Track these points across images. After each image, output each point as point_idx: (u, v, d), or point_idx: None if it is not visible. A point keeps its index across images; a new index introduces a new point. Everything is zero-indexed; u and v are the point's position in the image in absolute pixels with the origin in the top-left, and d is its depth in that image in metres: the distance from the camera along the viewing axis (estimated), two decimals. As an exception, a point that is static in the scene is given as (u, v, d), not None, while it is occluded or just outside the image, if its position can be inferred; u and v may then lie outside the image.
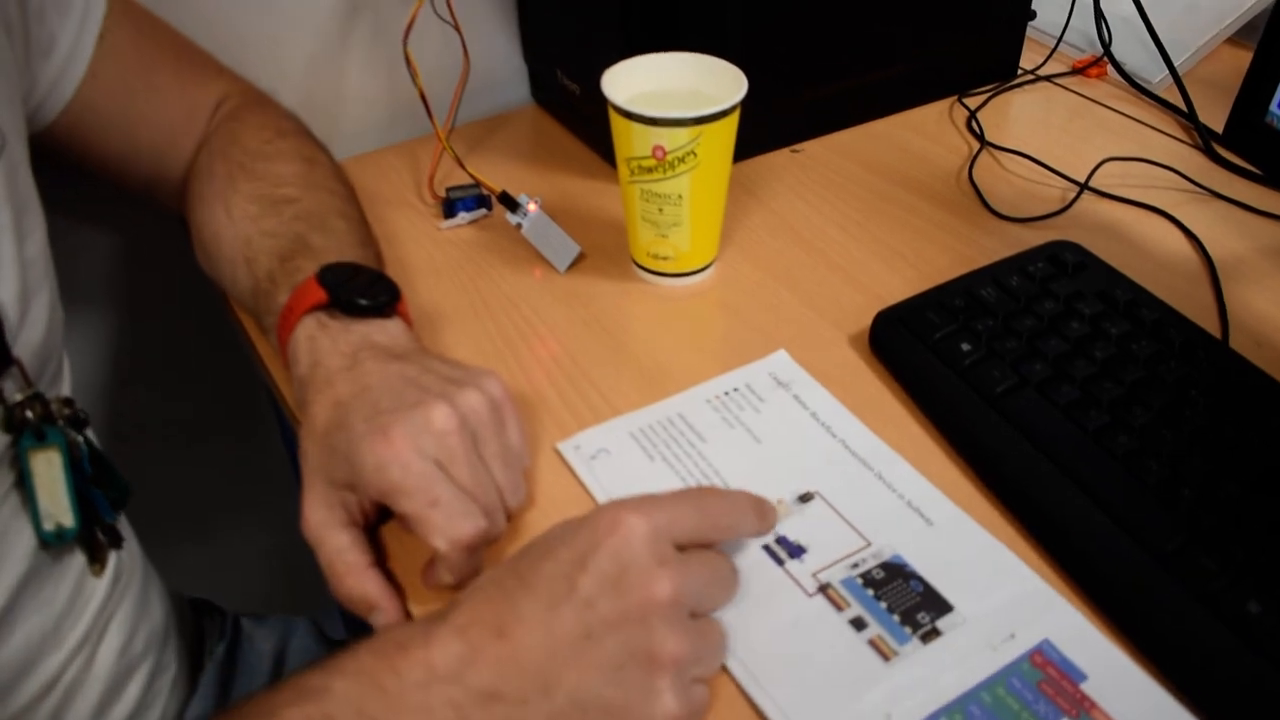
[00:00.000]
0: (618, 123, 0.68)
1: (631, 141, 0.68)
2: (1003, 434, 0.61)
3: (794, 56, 0.86)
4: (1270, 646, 0.50)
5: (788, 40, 0.85)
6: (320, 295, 0.60)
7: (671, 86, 0.72)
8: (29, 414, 0.57)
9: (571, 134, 0.94)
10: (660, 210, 0.70)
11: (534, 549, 0.48)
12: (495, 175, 0.86)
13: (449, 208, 0.82)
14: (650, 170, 0.68)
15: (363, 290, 0.61)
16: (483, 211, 0.82)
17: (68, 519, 0.58)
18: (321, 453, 0.55)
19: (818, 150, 0.91)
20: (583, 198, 0.85)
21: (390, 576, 0.56)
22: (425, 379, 0.56)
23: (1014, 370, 0.63)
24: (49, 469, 0.58)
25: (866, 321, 0.70)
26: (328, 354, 0.58)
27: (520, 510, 0.58)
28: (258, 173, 0.70)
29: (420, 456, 0.52)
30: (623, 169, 0.70)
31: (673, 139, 0.66)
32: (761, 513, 0.54)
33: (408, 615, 0.55)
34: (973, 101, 0.98)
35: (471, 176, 0.81)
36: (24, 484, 0.57)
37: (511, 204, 0.78)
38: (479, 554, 0.54)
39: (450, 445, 0.53)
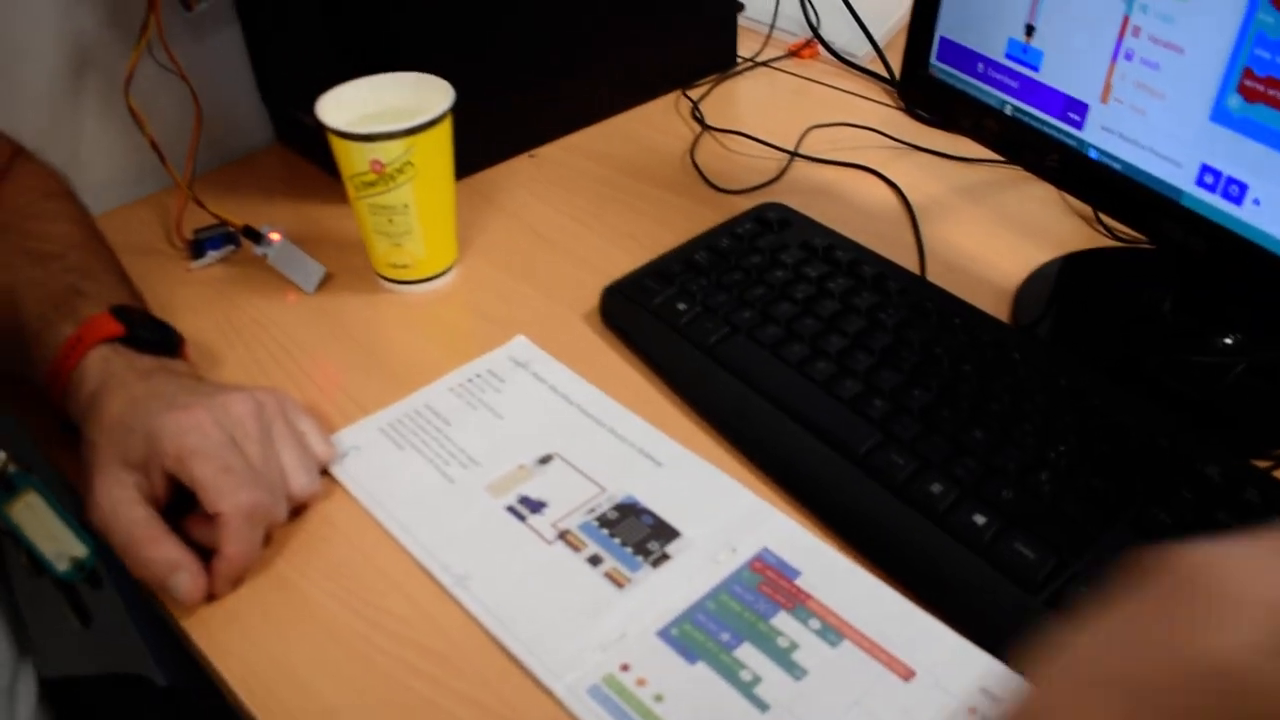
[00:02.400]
0: (336, 144, 0.72)
1: (350, 159, 0.72)
2: (719, 379, 0.67)
3: (514, 65, 0.92)
4: (951, 520, 0.56)
5: (504, 51, 0.90)
6: (115, 328, 0.62)
7: (390, 106, 0.77)
8: None
9: (316, 166, 0.97)
10: (390, 221, 0.74)
11: None
12: (246, 214, 0.88)
13: (198, 248, 0.84)
14: (372, 185, 0.72)
15: (153, 329, 0.65)
16: (231, 248, 0.85)
17: (78, 548, 0.58)
18: (114, 437, 0.57)
19: (554, 152, 0.97)
20: (331, 223, 0.88)
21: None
22: (220, 386, 0.62)
23: (726, 321, 0.69)
24: (33, 513, 0.58)
25: (592, 300, 0.75)
26: (123, 370, 0.61)
27: (310, 500, 0.62)
28: (24, 230, 0.70)
29: (219, 428, 0.57)
30: (349, 187, 0.74)
31: (387, 152, 0.71)
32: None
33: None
34: (696, 93, 1.05)
35: (215, 216, 0.84)
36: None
37: (255, 236, 0.81)
38: (260, 532, 0.58)
39: (246, 427, 0.58)
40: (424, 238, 0.76)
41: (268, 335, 0.76)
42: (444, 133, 0.73)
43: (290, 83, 0.95)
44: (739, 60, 1.11)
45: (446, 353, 0.73)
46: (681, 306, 0.71)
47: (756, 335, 0.68)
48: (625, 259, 0.81)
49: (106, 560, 0.90)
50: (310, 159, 0.98)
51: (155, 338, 0.65)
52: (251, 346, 0.75)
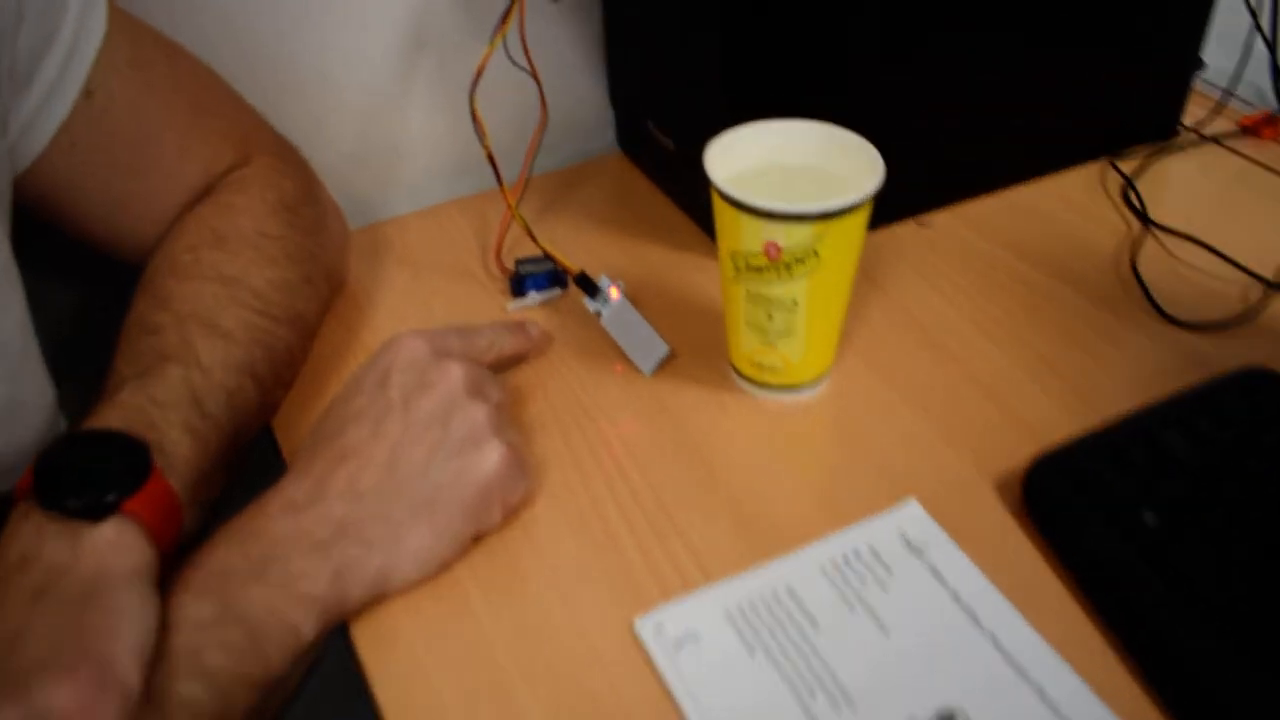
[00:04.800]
0: (723, 211, 0.56)
1: (740, 234, 0.55)
2: (1214, 651, 0.47)
3: (922, 112, 0.73)
4: None
5: (907, 97, 0.72)
6: (27, 480, 0.46)
7: (786, 160, 0.60)
8: None
9: (662, 193, 0.81)
10: (769, 316, 0.58)
11: (335, 406, 0.54)
12: (573, 238, 0.74)
13: (518, 284, 0.70)
14: (760, 270, 0.56)
15: (81, 480, 0.45)
16: (556, 291, 0.70)
17: None
18: None
19: (948, 222, 0.78)
20: (673, 273, 0.73)
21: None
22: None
23: (1224, 561, 0.50)
24: None
25: (1017, 459, 0.57)
26: (17, 559, 0.44)
27: None
28: (150, 290, 0.58)
29: None
30: (726, 264, 0.58)
31: (790, 236, 0.54)
32: (515, 330, 0.63)
33: None
34: (1127, 165, 0.84)
35: (544, 252, 0.69)
36: None
37: (590, 287, 0.66)
38: None
39: None
40: (805, 341, 0.59)
41: (589, 420, 0.62)
42: (862, 219, 0.56)
43: (649, 91, 0.79)
44: (1178, 129, 0.89)
45: (813, 499, 0.57)
46: (1151, 519, 0.51)
47: (1274, 594, 0.48)
48: (1048, 403, 0.62)
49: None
50: (655, 181, 0.83)
51: (72, 499, 0.45)
52: (569, 432, 0.61)
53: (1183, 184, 0.84)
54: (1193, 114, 0.90)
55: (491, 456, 0.52)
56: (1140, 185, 0.82)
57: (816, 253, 0.55)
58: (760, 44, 0.65)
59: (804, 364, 0.61)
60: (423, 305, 0.71)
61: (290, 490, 0.50)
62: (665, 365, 0.65)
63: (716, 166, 0.56)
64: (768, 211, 0.54)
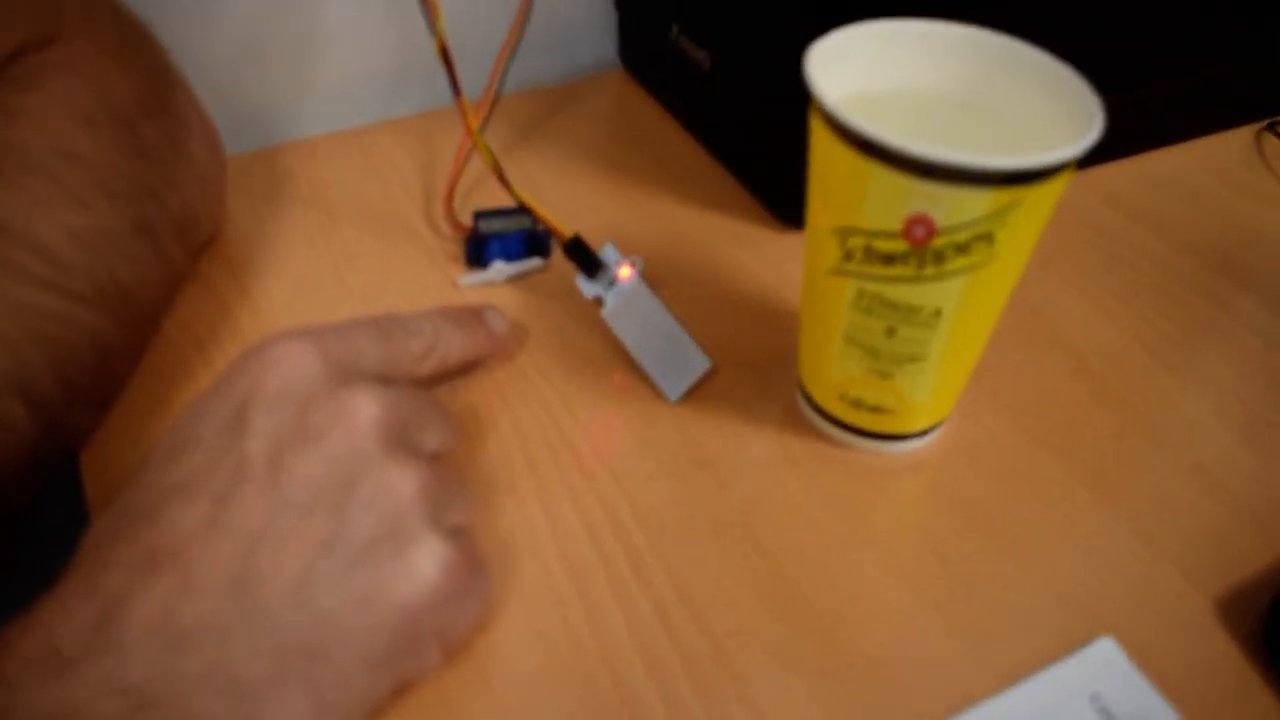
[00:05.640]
0: (838, 158, 0.34)
1: (863, 199, 0.33)
2: None
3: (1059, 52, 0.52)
4: None
5: (1052, 29, 0.50)
6: None
7: (917, 84, 0.38)
8: None
9: (684, 130, 0.59)
10: (891, 331, 0.36)
11: (153, 464, 0.30)
12: (559, 185, 0.52)
13: (477, 248, 0.48)
14: (892, 260, 0.34)
15: None
16: (535, 262, 0.48)
17: None
18: None
19: (1077, 195, 0.57)
20: (704, 245, 0.51)
21: None
22: None
23: None
24: None
25: (1243, 567, 0.37)
26: None
27: None
28: None
29: None
30: (823, 244, 0.36)
31: (957, 208, 0.32)
32: (468, 321, 0.40)
33: None
34: (1289, 132, 0.64)
35: (519, 202, 0.46)
36: None
37: (589, 261, 0.44)
38: None
39: None
40: (938, 373, 0.38)
41: (579, 467, 0.40)
42: (1059, 189, 0.34)
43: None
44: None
45: (941, 625, 0.35)
46: None
47: None
48: (1267, 472, 0.41)
49: None
50: (674, 113, 0.60)
51: None
52: (544, 478, 0.39)
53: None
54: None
55: (424, 565, 0.30)
56: (1312, 159, 0.62)
57: (991, 236, 0.33)
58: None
59: (924, 407, 0.39)
60: (332, 272, 0.48)
61: (58, 626, 0.27)
62: (699, 386, 0.43)
63: (827, 76, 0.34)
64: (928, 163, 0.31)
